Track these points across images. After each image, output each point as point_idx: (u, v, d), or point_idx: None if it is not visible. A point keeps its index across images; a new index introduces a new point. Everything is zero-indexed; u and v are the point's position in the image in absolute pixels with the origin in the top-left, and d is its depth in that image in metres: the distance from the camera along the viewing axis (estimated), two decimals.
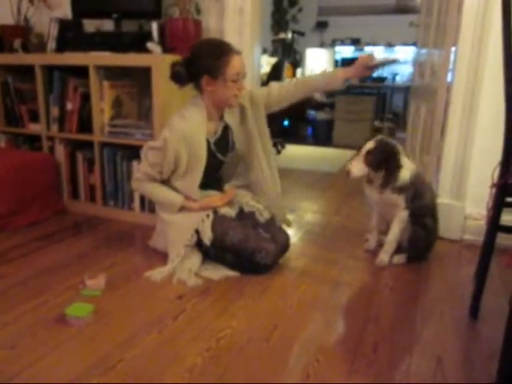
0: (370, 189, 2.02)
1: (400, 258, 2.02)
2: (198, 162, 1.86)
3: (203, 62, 1.78)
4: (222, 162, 2.00)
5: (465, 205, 2.28)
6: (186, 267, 1.83)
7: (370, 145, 1.90)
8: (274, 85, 2.05)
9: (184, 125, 1.81)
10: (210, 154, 1.90)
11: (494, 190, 1.51)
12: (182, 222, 1.89)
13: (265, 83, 4.17)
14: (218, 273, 1.85)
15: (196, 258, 1.88)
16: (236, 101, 1.88)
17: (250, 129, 2.00)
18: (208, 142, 1.89)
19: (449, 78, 2.31)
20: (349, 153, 5.00)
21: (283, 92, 2.04)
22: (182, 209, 1.89)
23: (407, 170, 1.92)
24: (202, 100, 1.86)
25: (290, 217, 2.22)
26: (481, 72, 2.13)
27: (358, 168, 1.90)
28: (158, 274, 1.83)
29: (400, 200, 1.94)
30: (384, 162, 1.89)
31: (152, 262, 1.96)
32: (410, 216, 1.99)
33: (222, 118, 1.96)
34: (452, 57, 2.26)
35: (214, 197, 1.96)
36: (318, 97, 5.76)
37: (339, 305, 1.66)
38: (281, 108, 2.11)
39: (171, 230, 1.91)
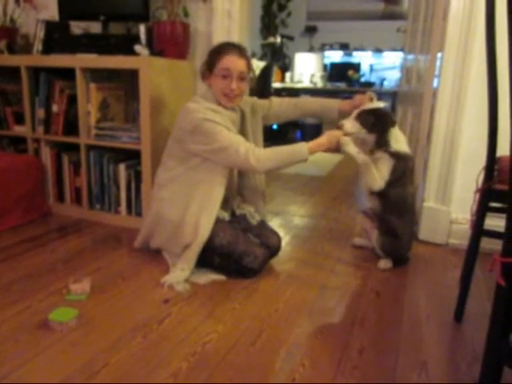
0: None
1: (386, 263, 2.03)
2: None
3: (207, 58, 1.91)
4: None
5: (450, 209, 2.31)
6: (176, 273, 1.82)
7: (364, 106, 1.94)
8: (275, 99, 2.16)
9: (205, 105, 1.84)
10: None
11: (478, 195, 1.52)
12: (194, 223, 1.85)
13: (253, 87, 4.19)
14: (204, 277, 1.83)
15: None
16: (227, 101, 1.87)
17: (247, 136, 2.00)
18: None
19: (435, 83, 2.33)
20: (337, 157, 5.04)
21: (283, 108, 2.15)
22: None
23: (404, 145, 1.97)
24: (210, 93, 1.91)
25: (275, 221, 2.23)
26: (466, 77, 2.16)
27: (351, 124, 1.92)
28: (174, 281, 1.78)
29: (386, 162, 1.93)
30: (376, 123, 1.91)
31: (138, 265, 1.95)
32: (378, 224, 2.01)
33: None
34: (438, 62, 2.29)
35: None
36: None
37: (326, 309, 1.66)
38: (276, 123, 2.18)
39: (179, 232, 1.86)
